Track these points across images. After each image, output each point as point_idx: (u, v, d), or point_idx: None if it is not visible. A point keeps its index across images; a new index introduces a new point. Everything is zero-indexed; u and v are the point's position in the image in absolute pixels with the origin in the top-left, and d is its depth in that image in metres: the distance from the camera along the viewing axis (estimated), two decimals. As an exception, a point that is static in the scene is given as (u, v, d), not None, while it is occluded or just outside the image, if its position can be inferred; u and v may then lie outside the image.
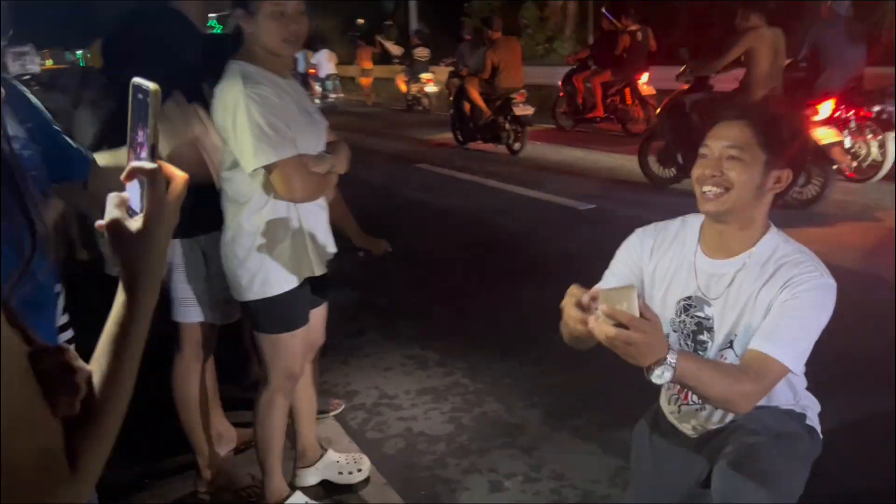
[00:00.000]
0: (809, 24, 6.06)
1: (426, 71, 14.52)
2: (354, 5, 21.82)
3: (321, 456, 2.53)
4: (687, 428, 1.81)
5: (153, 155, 0.82)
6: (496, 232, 5.70)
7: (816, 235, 4.71)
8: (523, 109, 8.64)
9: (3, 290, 0.76)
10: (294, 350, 2.16)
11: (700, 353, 1.72)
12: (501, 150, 9.07)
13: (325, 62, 15.89)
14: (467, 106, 9.27)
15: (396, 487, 2.49)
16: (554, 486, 2.48)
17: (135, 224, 0.82)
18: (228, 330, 2.56)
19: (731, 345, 1.67)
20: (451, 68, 10.99)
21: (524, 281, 4.38)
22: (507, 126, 8.86)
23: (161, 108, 0.84)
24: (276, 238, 2.05)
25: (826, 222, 5.19)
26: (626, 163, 7.51)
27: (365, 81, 17.52)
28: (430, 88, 14.48)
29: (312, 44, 15.24)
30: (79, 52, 27.16)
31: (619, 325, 1.26)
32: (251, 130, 1.92)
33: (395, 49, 17.30)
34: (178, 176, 0.85)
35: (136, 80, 0.84)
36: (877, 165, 5.89)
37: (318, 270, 2.16)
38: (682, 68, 6.23)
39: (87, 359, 0.83)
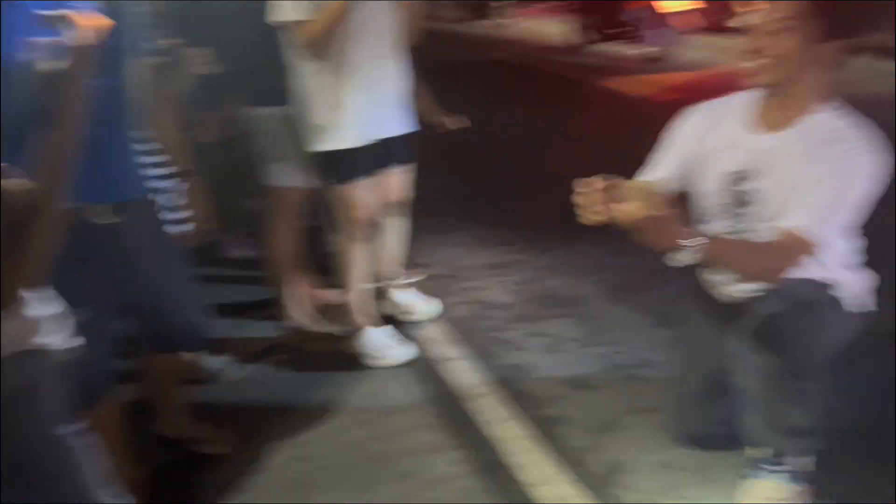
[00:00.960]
0: None
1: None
2: None
3: (396, 294, 2.87)
4: (725, 295, 1.90)
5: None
6: (564, 110, 5.69)
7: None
8: None
9: None
10: (354, 201, 2.41)
11: (739, 225, 1.78)
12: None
13: None
14: None
15: (461, 345, 2.71)
16: (608, 351, 2.64)
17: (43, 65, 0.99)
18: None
19: (775, 218, 1.72)
20: None
21: (598, 166, 4.41)
22: None
23: None
24: (337, 99, 2.28)
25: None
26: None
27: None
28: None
29: None
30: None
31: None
32: None
33: None
34: (90, 21, 1.01)
35: None
36: None
37: (381, 134, 2.36)
38: None
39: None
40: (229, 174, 2.73)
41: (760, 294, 1.79)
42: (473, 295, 3.12)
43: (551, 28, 11.38)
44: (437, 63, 3.22)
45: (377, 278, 2.83)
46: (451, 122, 2.95)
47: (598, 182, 1.46)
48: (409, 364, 2.60)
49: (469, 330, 2.84)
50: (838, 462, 1.93)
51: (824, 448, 1.83)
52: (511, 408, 2.33)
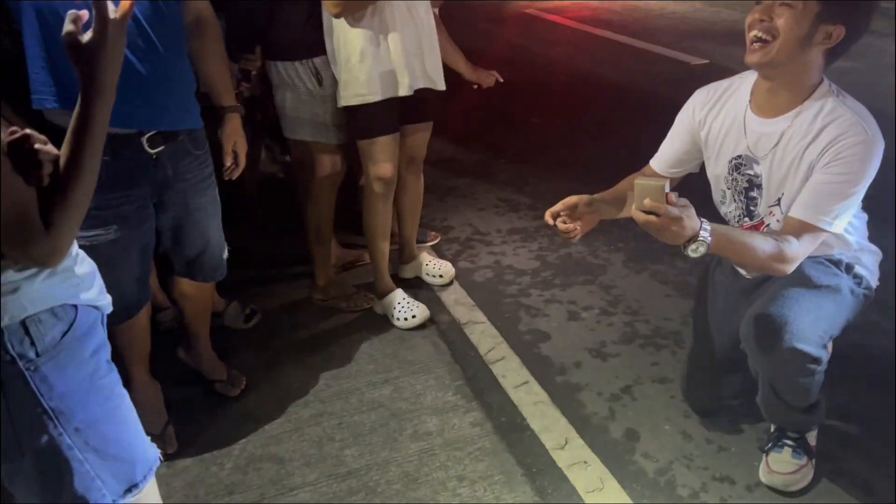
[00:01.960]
0: None
1: None
2: None
3: (417, 256, 2.93)
4: (742, 269, 1.93)
5: None
6: (599, 82, 5.62)
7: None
8: None
9: None
10: (378, 156, 2.49)
11: (752, 208, 1.80)
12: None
13: None
14: None
15: (483, 309, 2.76)
16: (628, 319, 2.68)
17: (85, 37, 1.03)
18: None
19: (778, 202, 1.74)
20: None
21: (621, 132, 4.39)
22: None
23: None
24: (363, 56, 2.33)
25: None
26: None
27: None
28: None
29: None
30: None
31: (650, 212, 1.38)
32: None
33: None
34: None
35: None
36: None
37: (403, 91, 2.40)
38: None
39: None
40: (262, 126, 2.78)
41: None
42: (496, 259, 3.15)
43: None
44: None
45: (396, 238, 2.90)
46: (485, 78, 2.94)
47: (561, 208, 1.66)
48: (431, 325, 2.65)
49: (491, 294, 2.89)
50: (839, 462, 1.99)
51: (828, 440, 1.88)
52: (531, 372, 2.39)
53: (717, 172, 1.88)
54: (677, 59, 6.01)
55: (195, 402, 2.30)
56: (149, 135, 1.78)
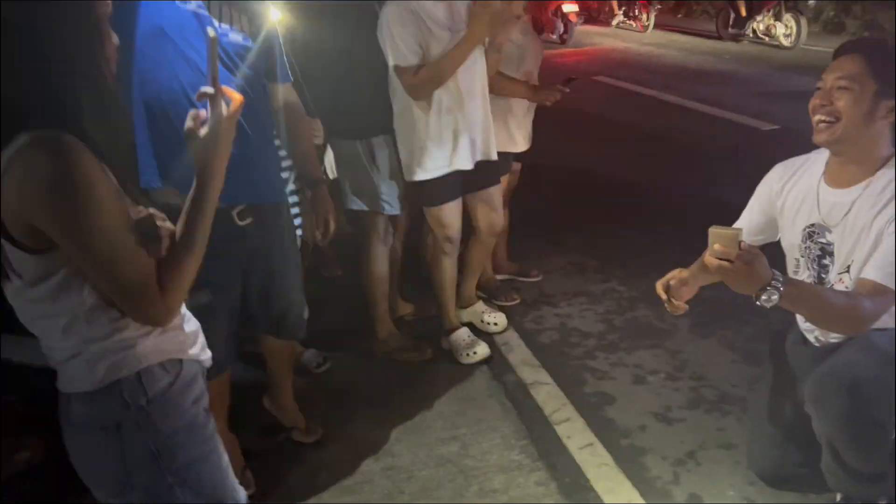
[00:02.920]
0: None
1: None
2: None
3: (474, 304, 3.17)
4: (811, 337, 1.96)
5: (214, 83, 1.23)
6: (670, 147, 5.69)
7: None
8: None
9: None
10: (443, 220, 2.78)
11: (823, 276, 1.86)
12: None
13: None
14: None
15: (549, 370, 2.84)
16: (693, 384, 2.71)
17: (202, 131, 1.23)
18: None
19: (847, 269, 1.79)
20: None
21: (691, 197, 4.44)
22: None
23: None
24: (427, 134, 2.62)
25: None
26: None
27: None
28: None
29: None
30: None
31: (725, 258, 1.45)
32: (388, 42, 2.53)
33: None
34: (235, 98, 1.26)
35: (208, 28, 1.23)
36: None
37: (465, 165, 2.68)
38: None
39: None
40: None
41: (846, 340, 1.86)
42: (562, 321, 3.23)
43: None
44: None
45: (467, 292, 3.13)
46: (550, 96, 3.12)
47: (667, 283, 1.78)
48: (500, 385, 2.75)
49: (556, 355, 2.96)
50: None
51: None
52: (595, 434, 2.44)
53: (791, 241, 1.95)
54: (748, 125, 6.03)
55: (274, 449, 2.44)
56: (239, 209, 1.95)
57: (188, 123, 1.24)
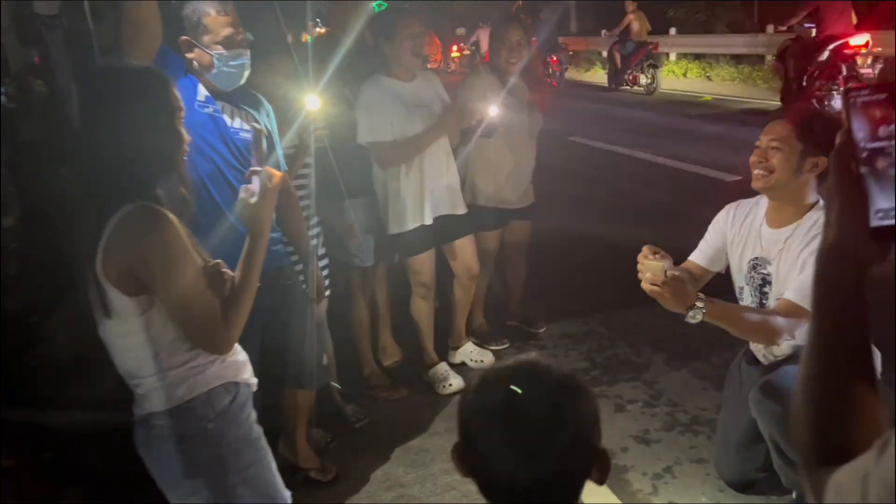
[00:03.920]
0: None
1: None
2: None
3: (463, 344, 3.51)
4: (761, 356, 2.30)
5: (261, 163, 1.63)
6: (640, 202, 6.11)
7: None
8: None
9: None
10: (416, 268, 3.19)
11: (764, 301, 2.21)
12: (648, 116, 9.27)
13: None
14: None
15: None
16: (668, 410, 3.02)
17: (252, 200, 1.61)
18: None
19: (782, 296, 2.14)
20: None
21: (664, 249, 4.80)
22: None
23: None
24: (398, 194, 3.05)
25: None
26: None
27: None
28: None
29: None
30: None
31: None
32: (362, 118, 2.94)
33: None
34: (276, 174, 1.63)
35: (254, 123, 1.71)
36: None
37: (428, 220, 3.08)
38: None
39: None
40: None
41: (792, 355, 2.19)
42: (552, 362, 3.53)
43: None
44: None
45: (456, 332, 3.51)
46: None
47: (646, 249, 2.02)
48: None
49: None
50: None
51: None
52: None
53: (738, 271, 2.31)
54: (712, 177, 6.48)
55: (292, 486, 2.68)
56: None
57: (242, 195, 1.61)
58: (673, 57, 14.49)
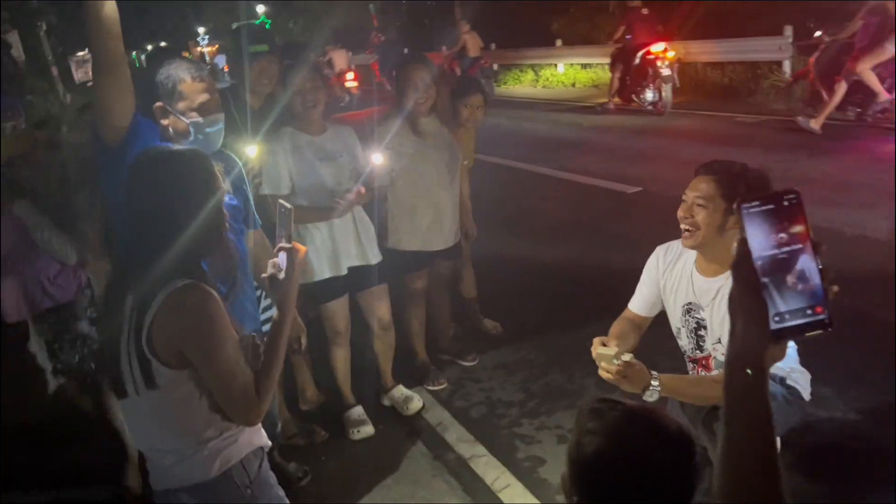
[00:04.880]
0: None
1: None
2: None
3: (391, 389, 3.54)
4: None
5: (289, 240, 1.70)
6: (547, 218, 6.28)
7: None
8: None
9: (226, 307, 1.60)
10: (329, 316, 3.24)
11: (701, 343, 2.32)
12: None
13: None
14: None
15: (483, 443, 3.16)
16: (608, 437, 3.10)
17: (281, 275, 1.69)
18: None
19: (719, 341, 2.26)
20: None
21: (580, 265, 4.96)
22: None
23: None
24: (312, 244, 3.07)
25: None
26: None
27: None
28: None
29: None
30: (133, 54, 29.19)
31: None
32: (264, 170, 2.95)
33: None
34: (301, 249, 1.72)
35: (281, 201, 1.76)
36: None
37: (333, 272, 3.12)
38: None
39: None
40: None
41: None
42: (487, 395, 3.58)
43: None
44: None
45: (382, 378, 3.53)
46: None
47: (597, 341, 2.13)
48: (441, 464, 3.04)
49: (488, 427, 3.29)
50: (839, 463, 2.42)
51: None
52: (534, 495, 2.78)
53: (673, 313, 2.41)
54: (615, 190, 6.75)
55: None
56: None
57: (270, 270, 1.71)
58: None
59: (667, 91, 9.86)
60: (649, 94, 10.20)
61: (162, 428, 1.58)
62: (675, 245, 2.44)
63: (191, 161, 1.63)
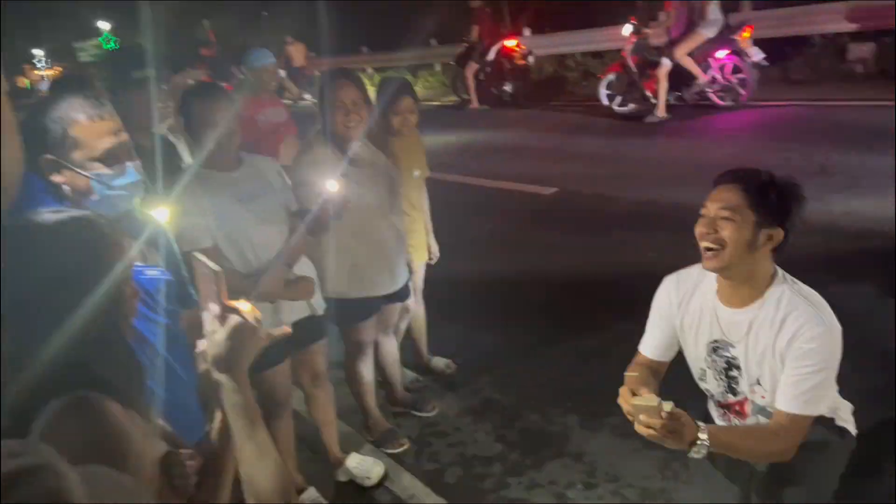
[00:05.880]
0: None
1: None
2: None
3: (343, 461, 3.02)
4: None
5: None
6: (472, 231, 5.90)
7: None
8: None
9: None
10: (268, 388, 2.64)
11: (733, 385, 1.99)
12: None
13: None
14: None
15: (472, 515, 2.71)
16: (613, 488, 2.74)
17: None
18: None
19: (758, 381, 1.93)
20: None
21: (515, 280, 4.60)
22: None
23: None
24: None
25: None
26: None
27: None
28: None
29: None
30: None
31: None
32: (180, 224, 2.23)
33: None
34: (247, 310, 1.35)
35: (202, 258, 1.27)
36: None
37: (287, 320, 2.56)
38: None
39: None
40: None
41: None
42: (460, 451, 3.11)
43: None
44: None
45: (330, 451, 3.03)
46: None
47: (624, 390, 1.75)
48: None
49: (471, 493, 2.84)
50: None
51: None
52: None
53: (695, 354, 2.05)
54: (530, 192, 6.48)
55: None
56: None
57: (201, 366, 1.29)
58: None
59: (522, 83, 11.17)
60: (508, 87, 11.29)
61: None
62: (688, 274, 2.08)
63: (73, 230, 1.21)
